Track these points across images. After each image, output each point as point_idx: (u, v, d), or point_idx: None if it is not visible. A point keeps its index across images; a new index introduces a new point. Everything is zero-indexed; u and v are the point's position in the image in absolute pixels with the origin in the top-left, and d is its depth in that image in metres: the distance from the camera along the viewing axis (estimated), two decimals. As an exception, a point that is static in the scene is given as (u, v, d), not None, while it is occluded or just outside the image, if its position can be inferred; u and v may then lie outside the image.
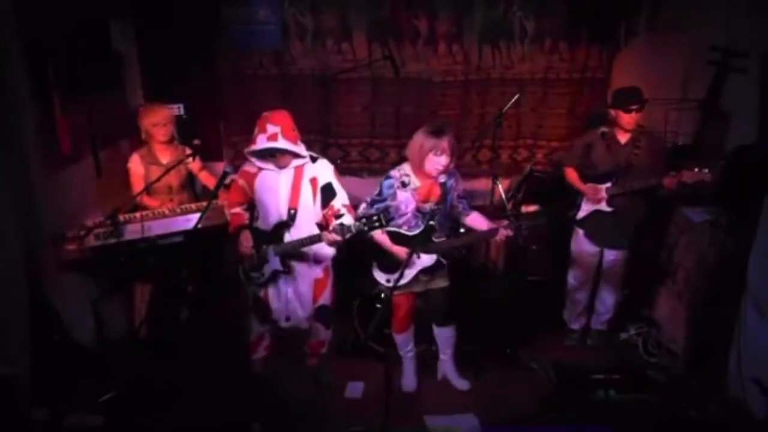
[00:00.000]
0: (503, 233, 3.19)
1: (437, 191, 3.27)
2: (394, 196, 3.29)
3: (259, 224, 3.33)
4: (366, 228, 2.96)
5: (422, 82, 4.71)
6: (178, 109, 4.33)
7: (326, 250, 3.35)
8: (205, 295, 4.05)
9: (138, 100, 4.50)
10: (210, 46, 4.55)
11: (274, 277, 3.32)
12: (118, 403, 3.14)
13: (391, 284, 3.29)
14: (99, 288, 3.80)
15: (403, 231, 3.32)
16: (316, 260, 3.35)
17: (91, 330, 3.74)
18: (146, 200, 3.78)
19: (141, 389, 3.29)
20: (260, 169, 3.23)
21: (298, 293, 3.37)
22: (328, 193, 3.25)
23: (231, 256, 3.37)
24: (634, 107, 3.58)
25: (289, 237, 3.23)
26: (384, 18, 4.56)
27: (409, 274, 3.31)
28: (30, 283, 3.10)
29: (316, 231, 3.24)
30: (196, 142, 3.82)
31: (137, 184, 3.78)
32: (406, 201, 3.28)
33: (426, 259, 3.29)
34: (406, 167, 3.32)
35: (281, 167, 3.21)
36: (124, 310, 3.96)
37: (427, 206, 3.27)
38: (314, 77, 4.64)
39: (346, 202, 3.25)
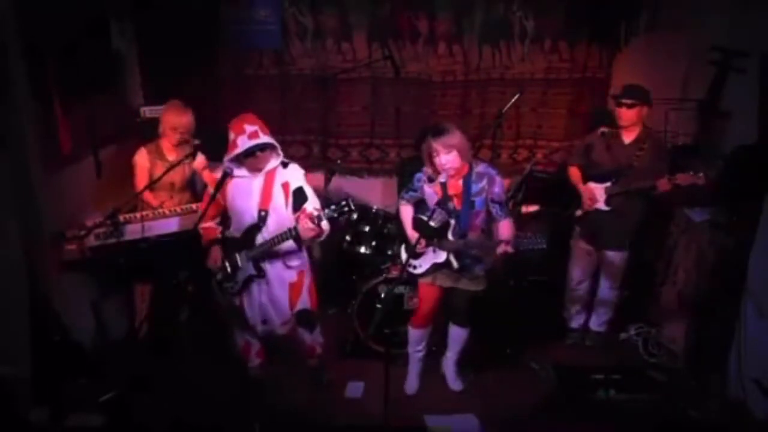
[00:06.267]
0: (503, 248, 3.15)
1: (457, 189, 3.25)
2: (422, 189, 3.34)
3: (232, 233, 3.33)
4: (336, 214, 2.98)
5: (422, 82, 4.72)
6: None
7: (295, 259, 3.35)
8: (205, 296, 4.05)
9: (138, 100, 4.49)
10: (210, 46, 4.55)
11: (248, 283, 3.32)
12: (118, 403, 3.14)
13: (410, 269, 3.37)
14: (99, 288, 3.80)
15: (427, 219, 3.31)
16: (288, 265, 3.33)
17: (91, 330, 3.74)
18: (147, 197, 3.77)
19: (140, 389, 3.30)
20: (232, 177, 3.22)
21: (272, 298, 3.35)
22: (299, 197, 3.25)
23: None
24: (627, 102, 3.58)
25: (261, 239, 3.23)
26: (384, 18, 4.56)
27: (425, 264, 3.33)
28: (30, 283, 3.10)
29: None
30: (196, 142, 3.82)
31: (141, 178, 3.76)
32: (431, 195, 3.31)
33: (438, 254, 3.30)
34: None
35: (258, 170, 3.20)
36: (124, 310, 3.96)
37: (439, 205, 3.26)
38: (314, 77, 4.65)
39: (318, 206, 3.22)
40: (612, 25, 4.55)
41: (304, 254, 3.42)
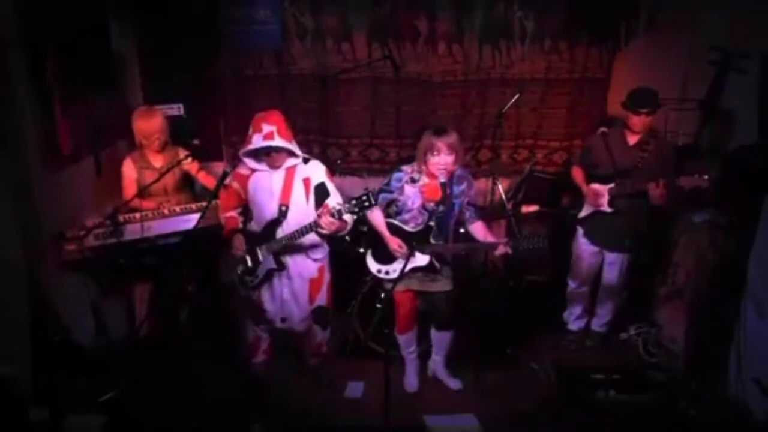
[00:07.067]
0: (501, 249, 3.19)
1: (441, 191, 3.26)
2: (401, 190, 3.31)
3: (253, 226, 3.34)
4: (357, 208, 2.95)
5: (422, 82, 4.71)
6: (177, 109, 4.33)
7: (319, 252, 3.36)
8: (205, 295, 4.05)
9: (138, 100, 4.49)
10: (210, 46, 4.55)
11: (269, 276, 3.33)
12: (118, 403, 3.14)
13: (382, 275, 3.35)
14: (99, 288, 3.80)
15: (399, 224, 3.32)
16: (311, 259, 3.35)
17: (91, 330, 3.74)
18: (143, 203, 3.76)
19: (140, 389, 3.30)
20: (253, 170, 3.24)
21: (294, 293, 3.37)
22: (321, 192, 3.26)
23: (230, 263, 3.38)
24: (643, 111, 3.55)
25: (281, 234, 3.24)
26: (384, 18, 4.56)
27: (399, 269, 3.30)
28: (30, 283, 3.11)
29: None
30: (196, 142, 3.82)
31: (129, 188, 3.78)
32: (413, 197, 3.29)
33: (419, 258, 3.29)
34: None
35: (275, 167, 3.22)
36: (124, 310, 3.96)
37: (432, 205, 3.26)
38: (314, 77, 4.65)
39: (340, 201, 3.22)
40: (612, 25, 4.56)
41: (326, 248, 3.43)
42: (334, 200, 3.21)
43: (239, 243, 3.32)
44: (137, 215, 3.61)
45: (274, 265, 3.29)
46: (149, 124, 3.73)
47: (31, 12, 3.20)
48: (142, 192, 3.62)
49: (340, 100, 4.76)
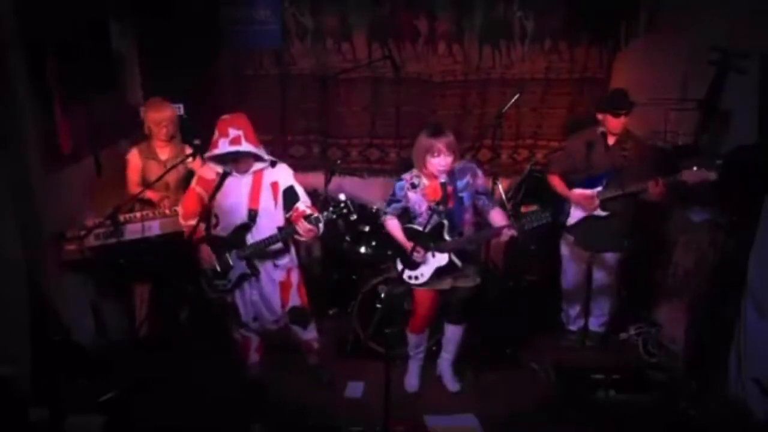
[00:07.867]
0: (507, 233, 3.18)
1: (441, 191, 3.26)
2: (406, 197, 3.32)
3: (219, 231, 3.31)
4: (335, 216, 3.00)
5: (422, 82, 4.72)
6: (178, 109, 4.32)
7: (284, 257, 3.35)
8: (205, 295, 4.04)
9: (138, 100, 4.49)
10: (210, 46, 4.55)
11: (241, 281, 3.32)
12: (118, 403, 3.14)
13: (412, 281, 3.34)
14: (99, 288, 3.80)
15: (418, 227, 3.32)
16: (277, 264, 3.34)
17: (91, 330, 3.74)
18: (148, 194, 3.77)
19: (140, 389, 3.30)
20: (218, 174, 3.20)
21: (263, 296, 3.36)
22: (290, 196, 3.26)
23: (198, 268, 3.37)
24: (622, 111, 3.58)
25: (251, 239, 3.23)
26: (384, 18, 4.56)
27: (426, 272, 3.31)
28: (30, 283, 3.11)
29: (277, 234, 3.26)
30: (197, 142, 3.82)
31: (133, 175, 3.81)
32: (418, 201, 3.30)
33: (439, 258, 3.29)
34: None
35: (242, 172, 3.20)
36: (124, 310, 3.96)
37: (439, 205, 3.26)
38: (314, 77, 4.65)
39: (309, 203, 3.26)
40: (612, 25, 4.56)
41: (293, 252, 3.42)
42: (304, 204, 3.23)
43: (207, 255, 3.29)
44: (137, 215, 3.61)
45: (247, 270, 3.28)
46: (160, 112, 3.79)
47: (31, 12, 3.19)
48: (150, 186, 3.62)
49: (340, 100, 4.77)
